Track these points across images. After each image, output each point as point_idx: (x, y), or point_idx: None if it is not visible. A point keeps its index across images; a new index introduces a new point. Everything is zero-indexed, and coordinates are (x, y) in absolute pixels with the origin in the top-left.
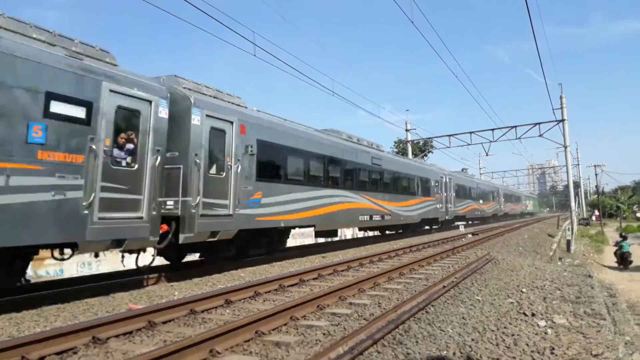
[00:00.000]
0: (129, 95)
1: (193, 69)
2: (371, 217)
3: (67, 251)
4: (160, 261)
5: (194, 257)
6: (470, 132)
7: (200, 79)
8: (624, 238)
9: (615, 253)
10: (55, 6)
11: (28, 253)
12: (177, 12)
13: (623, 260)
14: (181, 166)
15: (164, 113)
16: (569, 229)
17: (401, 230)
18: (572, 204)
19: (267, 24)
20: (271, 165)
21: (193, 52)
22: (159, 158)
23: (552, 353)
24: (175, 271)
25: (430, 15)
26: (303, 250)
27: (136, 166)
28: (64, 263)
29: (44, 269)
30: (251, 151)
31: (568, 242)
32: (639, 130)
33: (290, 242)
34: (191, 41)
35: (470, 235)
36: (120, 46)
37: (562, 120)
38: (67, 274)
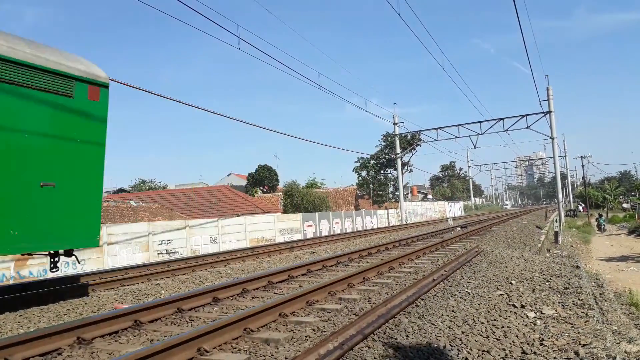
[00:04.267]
0: None
1: (175, 61)
2: None
3: None
4: (144, 259)
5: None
6: (458, 125)
7: (183, 72)
8: (601, 216)
9: (596, 225)
10: (32, 2)
11: None
12: (159, 4)
13: (600, 229)
14: None
15: None
16: (556, 220)
17: None
18: (560, 195)
19: (251, 18)
20: None
21: (175, 44)
22: None
23: (541, 344)
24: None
25: (416, 7)
26: (291, 246)
27: None
28: (47, 262)
29: (27, 269)
30: None
31: (556, 234)
32: (625, 121)
33: (279, 239)
34: (173, 33)
35: (459, 229)
36: (101, 40)
37: (549, 112)
38: (51, 274)
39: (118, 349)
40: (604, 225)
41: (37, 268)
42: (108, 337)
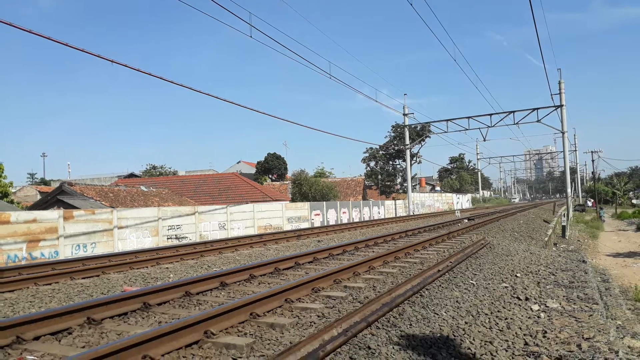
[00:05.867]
0: None
1: (187, 48)
2: None
3: None
4: (153, 243)
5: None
6: (468, 117)
7: (194, 59)
8: (601, 209)
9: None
10: None
11: None
12: None
13: (600, 219)
14: None
15: None
16: (564, 214)
17: None
18: (568, 189)
19: (263, 5)
20: None
21: (187, 31)
22: None
23: (544, 336)
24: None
25: None
26: (299, 234)
27: None
28: (59, 245)
29: (39, 250)
30: None
31: (563, 228)
32: (637, 117)
33: (287, 227)
34: (185, 20)
35: (466, 220)
36: (110, 29)
37: (560, 106)
38: (62, 256)
39: (127, 329)
40: (603, 216)
41: (48, 250)
42: (117, 318)
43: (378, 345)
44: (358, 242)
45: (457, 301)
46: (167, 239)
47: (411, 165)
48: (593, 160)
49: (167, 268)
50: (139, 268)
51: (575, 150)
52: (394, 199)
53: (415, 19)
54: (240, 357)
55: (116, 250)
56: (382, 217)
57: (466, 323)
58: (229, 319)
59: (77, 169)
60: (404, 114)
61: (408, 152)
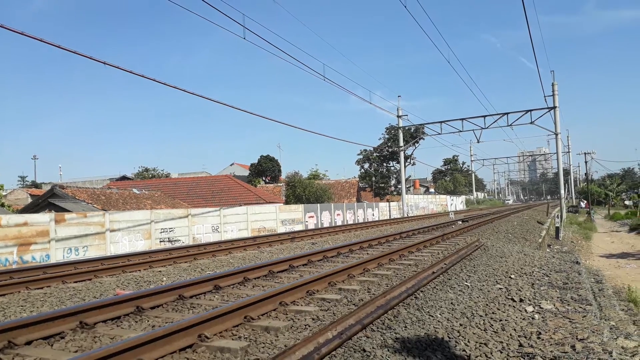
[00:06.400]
0: None
1: (180, 49)
2: None
3: None
4: (146, 247)
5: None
6: (462, 119)
7: (188, 61)
8: (591, 209)
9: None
10: None
11: None
12: None
13: (590, 220)
14: None
15: None
16: (557, 216)
17: None
18: (562, 191)
19: (257, 7)
20: None
21: (180, 33)
22: None
23: (538, 338)
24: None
25: (423, 0)
26: (292, 236)
27: None
28: (50, 248)
29: (30, 254)
30: None
31: (557, 229)
32: (629, 118)
33: (281, 229)
34: (178, 22)
35: (460, 222)
36: (106, 27)
37: (554, 108)
38: (53, 260)
39: (120, 333)
40: (593, 216)
41: (39, 253)
42: (110, 322)
43: (373, 347)
44: (352, 245)
45: (451, 303)
46: (160, 242)
47: (405, 167)
48: (586, 162)
49: (160, 271)
50: (132, 271)
51: (569, 152)
52: (388, 200)
53: (409, 21)
54: None
55: (108, 254)
56: (377, 219)
57: (461, 325)
58: (223, 322)
59: (69, 172)
60: (398, 116)
61: (402, 154)
